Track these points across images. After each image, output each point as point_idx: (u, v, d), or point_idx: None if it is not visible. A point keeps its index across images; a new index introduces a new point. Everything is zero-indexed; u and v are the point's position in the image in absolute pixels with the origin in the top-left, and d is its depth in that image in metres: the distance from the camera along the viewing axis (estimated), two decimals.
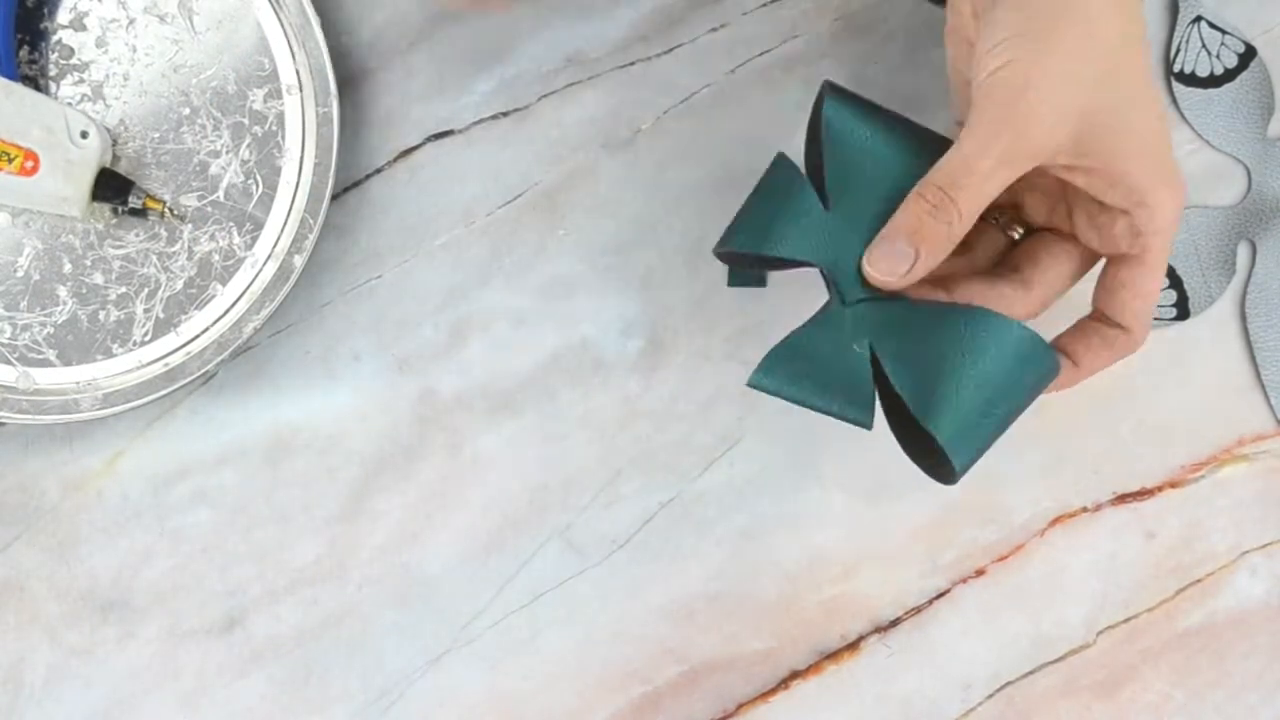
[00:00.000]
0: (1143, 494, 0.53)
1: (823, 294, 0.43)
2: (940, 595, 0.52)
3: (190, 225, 0.50)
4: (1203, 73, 0.54)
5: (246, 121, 0.51)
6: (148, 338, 0.50)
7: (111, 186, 0.49)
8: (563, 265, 0.52)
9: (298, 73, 0.50)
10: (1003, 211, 0.45)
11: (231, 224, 0.50)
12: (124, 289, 0.50)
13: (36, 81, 0.50)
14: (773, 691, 0.51)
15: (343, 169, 0.51)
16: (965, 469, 0.41)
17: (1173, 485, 0.53)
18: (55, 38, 0.50)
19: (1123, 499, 0.53)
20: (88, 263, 0.50)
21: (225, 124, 0.51)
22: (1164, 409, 0.53)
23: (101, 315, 0.50)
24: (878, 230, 0.41)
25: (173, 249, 0.50)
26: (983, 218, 0.42)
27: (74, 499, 0.51)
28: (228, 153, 0.50)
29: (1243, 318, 0.53)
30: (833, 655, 0.52)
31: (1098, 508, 0.53)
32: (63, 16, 0.50)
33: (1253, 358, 0.53)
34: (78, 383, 0.49)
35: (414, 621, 0.51)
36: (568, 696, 0.51)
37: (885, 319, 0.41)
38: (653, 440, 0.52)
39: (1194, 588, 0.52)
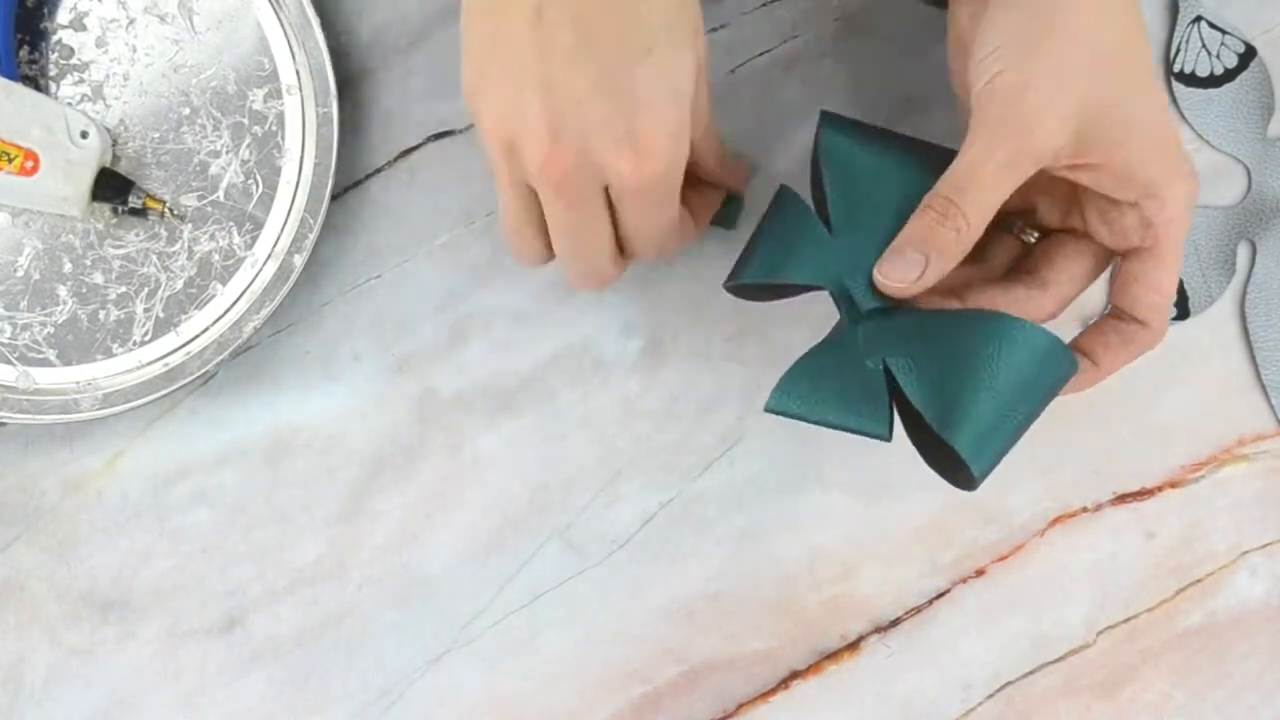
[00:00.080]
0: (1143, 494, 0.53)
1: (823, 294, 0.43)
2: (940, 595, 0.52)
3: (190, 225, 0.50)
4: (1203, 73, 0.54)
5: (246, 121, 0.51)
6: (148, 337, 0.50)
7: (111, 186, 0.49)
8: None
9: (297, 73, 0.50)
10: (1017, 217, 0.45)
11: (231, 224, 0.50)
12: (124, 289, 0.50)
13: (36, 81, 0.50)
14: (773, 691, 0.51)
15: (343, 169, 0.51)
16: (985, 475, 0.41)
17: (1173, 485, 0.53)
18: (55, 38, 0.50)
19: (1123, 499, 0.53)
20: (88, 262, 0.50)
21: (225, 124, 0.51)
22: (1164, 409, 0.53)
23: (101, 315, 0.50)
24: (886, 247, 0.41)
25: (173, 249, 0.50)
26: (998, 225, 0.41)
27: (74, 499, 0.51)
28: (228, 153, 0.50)
29: (1243, 318, 0.53)
30: (833, 655, 0.52)
31: (1098, 508, 0.53)
32: (63, 16, 0.50)
33: (1253, 358, 0.53)
34: (78, 383, 0.49)
35: (414, 621, 0.51)
36: (568, 696, 0.51)
37: (898, 332, 0.41)
38: (653, 440, 0.52)
39: (1194, 588, 0.52)
